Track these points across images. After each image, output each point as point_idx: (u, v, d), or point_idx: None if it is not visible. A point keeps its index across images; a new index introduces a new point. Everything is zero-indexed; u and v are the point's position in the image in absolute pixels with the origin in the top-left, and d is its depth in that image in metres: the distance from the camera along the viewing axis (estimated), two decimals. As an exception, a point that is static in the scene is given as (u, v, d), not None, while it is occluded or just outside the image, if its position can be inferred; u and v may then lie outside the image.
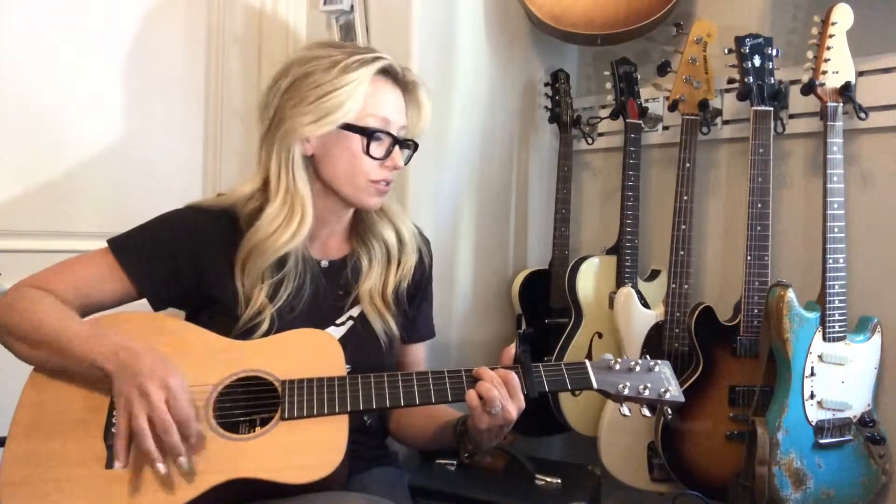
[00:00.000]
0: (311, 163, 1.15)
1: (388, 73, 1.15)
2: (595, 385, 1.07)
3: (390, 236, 1.24)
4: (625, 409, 1.08)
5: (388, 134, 1.14)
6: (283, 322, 1.12)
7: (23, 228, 1.49)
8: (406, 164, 1.20)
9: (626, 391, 1.07)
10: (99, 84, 1.59)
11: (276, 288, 1.13)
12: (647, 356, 1.13)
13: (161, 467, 0.92)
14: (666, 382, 1.09)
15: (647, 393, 1.07)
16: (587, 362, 1.09)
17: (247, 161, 1.83)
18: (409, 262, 1.25)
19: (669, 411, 1.12)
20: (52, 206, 1.53)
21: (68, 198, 1.55)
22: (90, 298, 1.10)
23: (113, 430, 0.97)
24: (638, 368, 1.10)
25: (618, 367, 1.09)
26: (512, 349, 1.08)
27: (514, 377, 1.04)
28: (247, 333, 1.10)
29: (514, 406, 1.03)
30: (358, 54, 1.12)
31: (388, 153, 1.14)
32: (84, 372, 0.99)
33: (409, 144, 1.20)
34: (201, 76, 1.78)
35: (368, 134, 1.12)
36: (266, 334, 1.10)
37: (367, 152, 1.12)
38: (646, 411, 1.09)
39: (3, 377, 1.07)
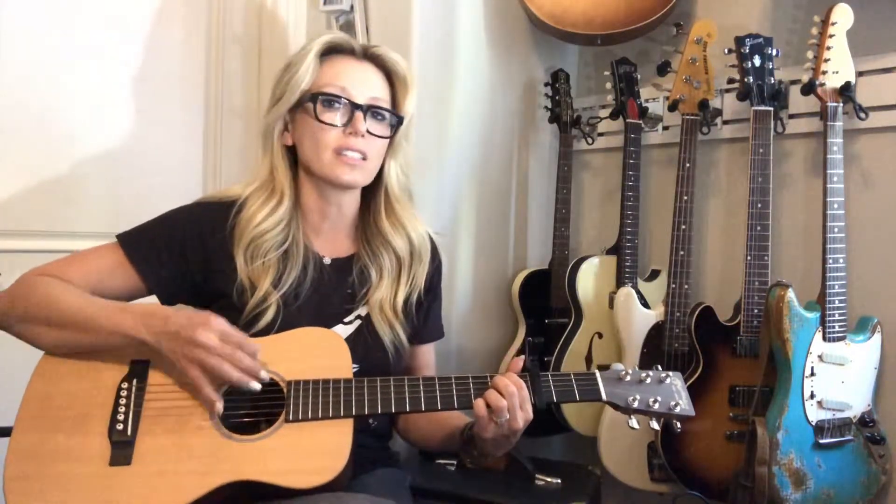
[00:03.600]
0: (295, 152, 1.19)
1: (340, 49, 1.17)
2: (604, 397, 1.05)
3: (401, 245, 1.22)
4: (633, 422, 1.05)
5: (344, 99, 1.13)
6: (289, 311, 1.12)
7: (23, 228, 1.49)
8: (391, 136, 1.18)
9: (636, 404, 1.04)
10: (99, 84, 1.59)
11: (280, 276, 1.14)
12: (658, 367, 1.10)
13: (256, 384, 0.98)
14: (676, 396, 1.06)
15: (657, 406, 1.05)
16: (597, 373, 1.07)
17: (247, 161, 1.83)
18: (420, 275, 1.25)
19: (679, 425, 1.08)
20: (53, 206, 1.53)
21: (69, 198, 1.55)
22: (99, 291, 1.10)
23: (118, 426, 0.98)
24: (648, 380, 1.07)
25: (628, 378, 1.07)
26: (520, 359, 1.07)
27: (522, 387, 1.02)
28: (252, 321, 1.10)
29: (521, 416, 1.02)
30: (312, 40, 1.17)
31: (349, 121, 1.13)
32: (112, 345, 1.01)
33: (379, 114, 1.16)
34: (201, 76, 1.78)
35: (314, 98, 1.13)
36: (272, 323, 1.10)
37: (317, 116, 1.12)
38: (654, 424, 1.06)
39: (10, 368, 1.08)
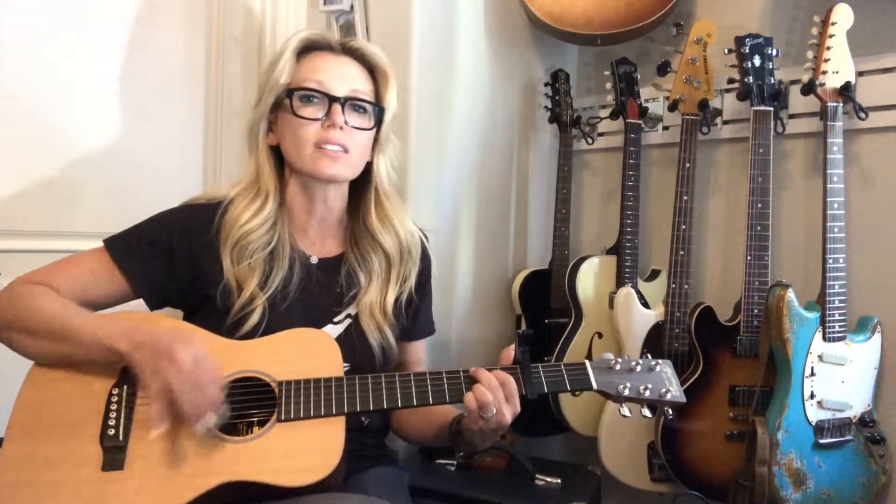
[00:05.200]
0: (281, 153, 1.19)
1: (317, 45, 1.17)
2: (595, 386, 1.06)
3: (390, 243, 1.22)
4: (625, 410, 1.07)
5: (318, 92, 1.13)
6: (276, 312, 1.12)
7: (23, 228, 1.49)
8: (374, 129, 1.17)
9: (627, 392, 1.06)
10: (99, 84, 1.59)
11: (266, 278, 1.13)
12: (648, 355, 1.12)
13: (200, 426, 0.93)
14: (667, 382, 1.08)
15: (647, 393, 1.06)
16: (587, 363, 1.09)
17: (246, 161, 1.83)
18: (411, 273, 1.25)
19: (671, 412, 1.11)
20: (52, 206, 1.53)
21: (68, 198, 1.55)
22: (87, 297, 1.10)
23: (110, 432, 0.97)
24: (639, 368, 1.09)
25: (618, 367, 1.08)
26: (511, 350, 1.08)
27: (511, 381, 1.03)
28: (238, 323, 1.09)
29: (508, 410, 1.02)
30: None
31: (327, 114, 1.12)
32: (92, 357, 0.99)
33: (359, 107, 1.16)
34: (201, 76, 1.78)
35: (290, 94, 1.13)
36: (257, 325, 1.10)
37: (294, 112, 1.12)
38: (646, 411, 1.08)
39: (1, 376, 1.07)
